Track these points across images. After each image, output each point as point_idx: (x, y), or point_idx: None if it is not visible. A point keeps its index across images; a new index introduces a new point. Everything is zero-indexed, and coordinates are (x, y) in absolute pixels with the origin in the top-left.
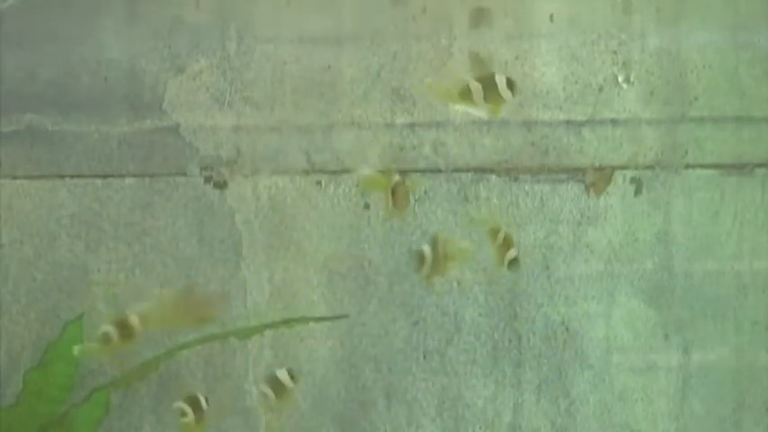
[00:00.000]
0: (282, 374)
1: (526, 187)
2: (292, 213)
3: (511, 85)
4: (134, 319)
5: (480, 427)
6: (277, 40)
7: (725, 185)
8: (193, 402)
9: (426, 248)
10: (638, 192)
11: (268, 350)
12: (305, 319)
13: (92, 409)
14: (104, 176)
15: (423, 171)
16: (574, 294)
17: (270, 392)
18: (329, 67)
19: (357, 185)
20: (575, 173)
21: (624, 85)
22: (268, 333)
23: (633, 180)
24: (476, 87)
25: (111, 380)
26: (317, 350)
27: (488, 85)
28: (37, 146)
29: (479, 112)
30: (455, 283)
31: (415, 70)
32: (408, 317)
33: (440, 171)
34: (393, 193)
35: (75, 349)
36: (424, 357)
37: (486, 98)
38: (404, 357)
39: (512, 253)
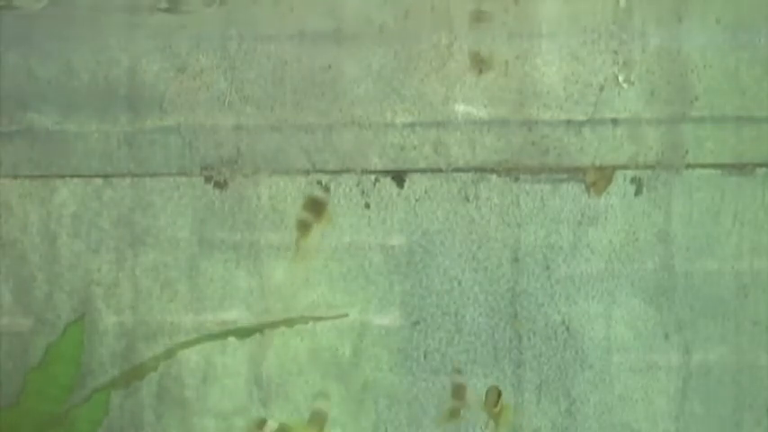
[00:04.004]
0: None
1: (527, 187)
2: (292, 213)
3: None
4: None
5: (481, 427)
6: (278, 40)
7: (725, 185)
8: None
9: None
10: (638, 191)
11: (268, 350)
12: (305, 319)
13: (92, 409)
14: (104, 176)
15: (423, 171)
16: (574, 294)
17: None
18: (330, 66)
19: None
20: (575, 172)
21: (625, 85)
22: (268, 333)
23: (634, 180)
24: None
25: (111, 380)
26: (317, 350)
27: None
28: (37, 146)
29: None
30: (455, 283)
31: (416, 70)
32: (408, 317)
33: (440, 171)
34: None
35: None
36: (425, 357)
37: None
38: (404, 357)
39: None
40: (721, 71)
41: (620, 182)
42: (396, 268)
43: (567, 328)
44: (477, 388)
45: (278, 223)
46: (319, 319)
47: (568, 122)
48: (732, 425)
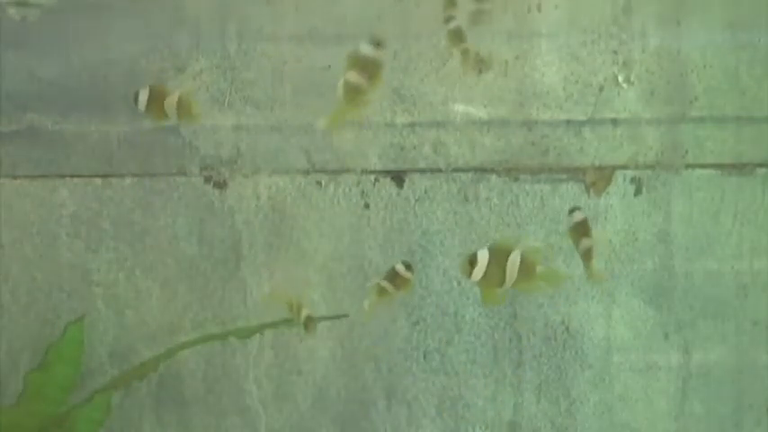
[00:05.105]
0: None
1: (526, 187)
2: (292, 213)
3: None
4: None
5: (480, 427)
6: (277, 40)
7: (725, 185)
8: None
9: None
10: (638, 191)
11: (268, 350)
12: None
13: (93, 410)
14: (104, 176)
15: (423, 171)
16: (574, 294)
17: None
18: (329, 66)
19: (357, 184)
20: (575, 173)
21: (624, 85)
22: (268, 333)
23: (633, 180)
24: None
25: (112, 380)
26: (317, 350)
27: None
28: (37, 146)
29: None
30: (455, 283)
31: (416, 70)
32: (408, 317)
33: (440, 171)
34: None
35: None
36: (424, 357)
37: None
38: (404, 357)
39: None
40: (721, 71)
41: (620, 182)
42: None
43: (567, 328)
44: (476, 389)
45: (277, 223)
46: (319, 319)
47: (568, 122)
48: (732, 425)
